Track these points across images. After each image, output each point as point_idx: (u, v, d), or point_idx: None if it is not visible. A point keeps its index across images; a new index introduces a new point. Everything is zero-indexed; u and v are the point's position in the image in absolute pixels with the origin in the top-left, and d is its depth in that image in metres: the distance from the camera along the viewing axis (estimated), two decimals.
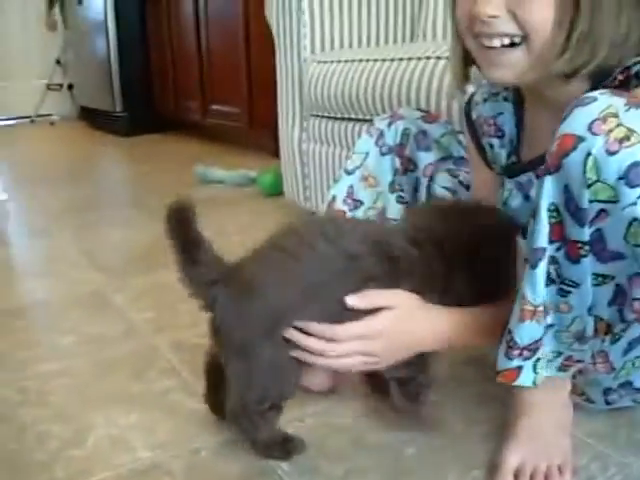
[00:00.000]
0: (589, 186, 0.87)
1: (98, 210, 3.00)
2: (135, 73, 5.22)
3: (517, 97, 1.23)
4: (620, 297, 0.98)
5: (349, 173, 1.48)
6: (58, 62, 6.56)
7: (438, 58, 1.82)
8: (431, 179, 1.44)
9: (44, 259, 2.34)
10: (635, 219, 0.86)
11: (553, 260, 0.94)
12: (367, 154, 1.46)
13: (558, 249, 0.93)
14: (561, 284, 0.95)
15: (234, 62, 4.05)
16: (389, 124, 1.46)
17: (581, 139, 0.86)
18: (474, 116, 1.33)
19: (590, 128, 0.86)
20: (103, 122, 5.58)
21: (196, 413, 1.29)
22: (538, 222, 0.93)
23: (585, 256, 0.93)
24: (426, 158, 1.44)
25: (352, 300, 1.06)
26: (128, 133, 5.20)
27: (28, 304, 1.91)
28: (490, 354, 1.08)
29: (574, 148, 0.87)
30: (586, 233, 0.91)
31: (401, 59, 1.95)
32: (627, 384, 1.15)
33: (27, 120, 6.53)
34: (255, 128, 3.96)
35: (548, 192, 0.91)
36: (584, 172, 0.86)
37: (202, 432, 1.23)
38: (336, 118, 2.26)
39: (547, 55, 1.00)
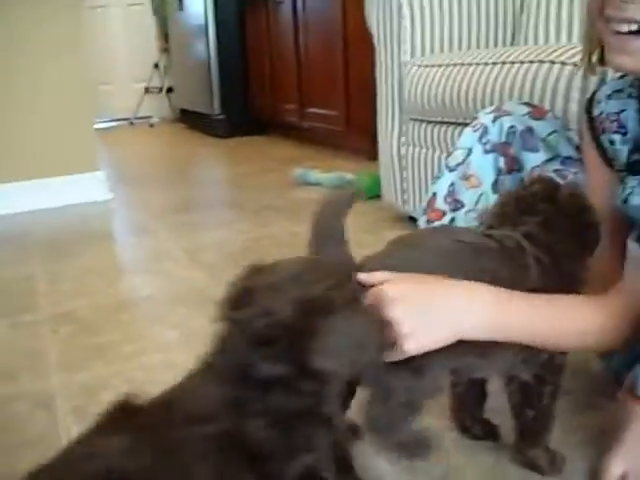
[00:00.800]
0: None
1: (198, 210, 3.09)
2: (234, 76, 5.33)
3: None
4: None
5: (451, 170, 1.44)
6: (156, 66, 6.77)
7: (541, 62, 1.80)
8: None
9: (148, 256, 2.43)
10: None
11: None
12: (470, 150, 1.41)
13: None
14: None
15: (332, 65, 4.10)
16: (494, 119, 1.40)
17: None
18: (595, 113, 1.26)
19: None
20: (202, 124, 5.71)
21: None
22: None
23: None
24: (533, 159, 1.37)
25: (362, 275, 0.94)
26: (226, 135, 5.31)
27: (133, 299, 1.99)
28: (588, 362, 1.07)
29: None
30: None
31: (503, 63, 1.94)
32: None
33: (126, 122, 6.76)
34: (352, 131, 3.99)
35: None
36: None
37: None
38: (436, 122, 2.26)
39: None
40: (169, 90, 6.61)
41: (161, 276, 2.15)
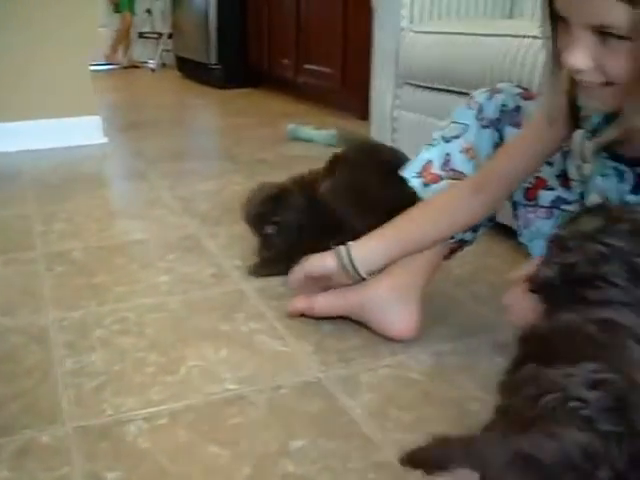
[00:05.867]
0: None
1: (192, 159, 3.14)
2: (232, 27, 5.33)
3: None
4: None
5: (447, 141, 1.49)
6: (149, 12, 6.75)
7: (535, 37, 1.85)
8: None
9: (141, 202, 2.49)
10: None
11: None
12: (467, 126, 1.47)
13: None
14: None
15: (330, 23, 4.11)
16: (489, 97, 1.47)
17: None
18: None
19: None
20: (198, 73, 5.72)
21: (280, 355, 1.41)
22: None
23: None
24: (512, 134, 1.42)
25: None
26: (221, 85, 5.33)
27: (127, 243, 2.05)
28: None
29: None
30: None
31: (498, 35, 1.99)
32: None
33: (120, 67, 6.74)
34: (347, 90, 4.03)
35: None
36: None
37: (284, 372, 1.34)
38: (430, 88, 2.31)
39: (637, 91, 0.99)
40: (170, 36, 6.58)
41: (154, 222, 2.21)
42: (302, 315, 1.54)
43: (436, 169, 1.49)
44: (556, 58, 1.08)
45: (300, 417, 1.21)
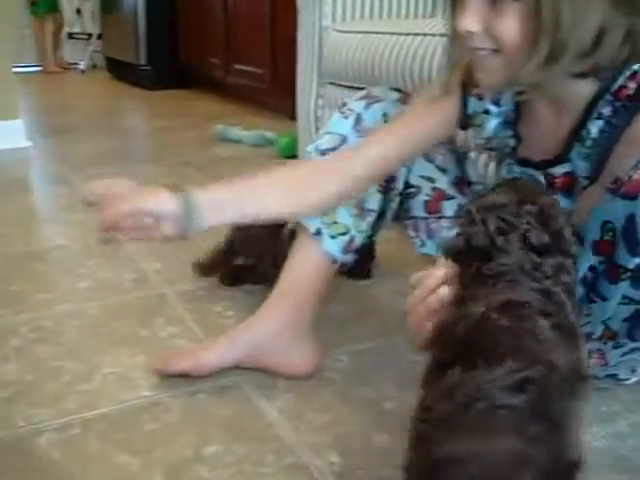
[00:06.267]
0: None
1: (117, 163, 3.09)
2: (161, 27, 5.29)
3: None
4: (637, 319, 1.08)
5: (322, 153, 1.35)
6: (78, 12, 6.64)
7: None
8: (408, 169, 1.39)
9: (63, 207, 2.43)
10: None
11: (592, 269, 1.02)
12: (345, 138, 1.35)
13: (600, 263, 1.01)
14: (591, 292, 1.04)
15: (259, 23, 4.11)
16: (366, 106, 1.37)
17: None
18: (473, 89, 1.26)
19: None
20: (128, 74, 5.65)
21: None
22: (590, 231, 1.00)
23: (624, 280, 1.02)
24: None
25: None
26: (151, 86, 5.28)
27: (47, 249, 2.01)
28: None
29: None
30: (634, 262, 0.99)
31: (416, 34, 2.01)
32: (613, 376, 1.25)
33: (47, 68, 6.60)
34: (276, 90, 4.02)
35: (609, 211, 0.99)
36: None
37: (201, 377, 1.32)
38: (352, 87, 2.31)
39: (521, 64, 1.02)
40: (100, 37, 6.48)
41: (75, 227, 2.17)
42: (180, 376, 1.32)
43: None
44: (454, 34, 1.11)
45: (216, 422, 1.20)
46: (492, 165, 1.29)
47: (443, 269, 0.98)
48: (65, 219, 2.27)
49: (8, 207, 2.38)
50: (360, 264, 1.59)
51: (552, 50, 0.98)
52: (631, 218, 0.96)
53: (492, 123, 1.23)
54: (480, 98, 1.24)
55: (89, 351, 1.43)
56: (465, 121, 1.27)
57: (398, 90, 1.42)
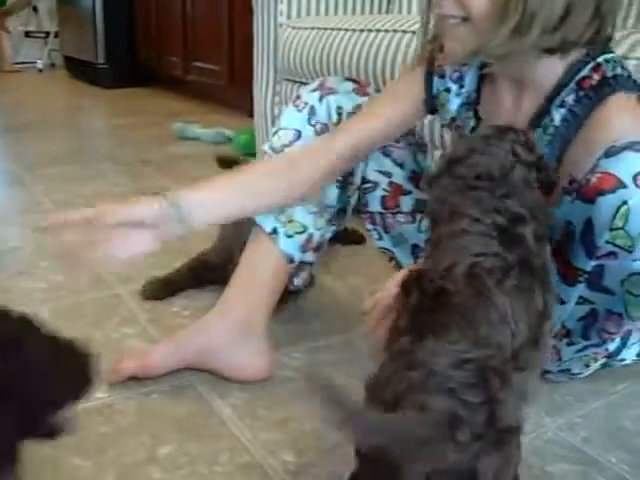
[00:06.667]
0: (612, 230, 0.95)
1: (73, 162, 3.05)
2: (119, 26, 5.23)
3: (483, 63, 1.22)
4: (591, 319, 1.11)
5: (277, 151, 1.33)
6: (35, 9, 6.54)
7: (412, 32, 1.87)
8: (365, 164, 1.38)
9: (17, 208, 2.40)
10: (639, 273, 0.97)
11: None
12: (299, 132, 1.34)
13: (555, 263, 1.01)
14: None
15: (217, 19, 4.08)
16: (320, 98, 1.35)
17: (623, 185, 0.94)
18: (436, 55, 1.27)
19: (635, 179, 0.93)
20: (86, 73, 5.58)
21: None
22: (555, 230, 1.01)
23: (581, 282, 1.03)
24: None
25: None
26: (110, 85, 5.22)
27: (1, 251, 1.98)
28: None
29: (613, 191, 0.94)
30: (589, 265, 1.01)
31: (370, 30, 2.02)
32: (566, 370, 1.26)
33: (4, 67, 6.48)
34: (234, 87, 4.00)
35: (568, 212, 1.01)
36: (613, 217, 0.94)
37: (155, 377, 1.31)
38: (308, 84, 2.31)
39: (490, 34, 1.03)
40: (57, 35, 6.38)
41: (29, 228, 2.14)
42: (133, 378, 1.29)
43: None
44: (428, 4, 1.15)
45: (169, 422, 1.19)
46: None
47: (394, 286, 0.97)
48: (18, 221, 2.24)
49: None
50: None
51: (521, 21, 1.00)
52: (589, 222, 0.98)
53: (454, 103, 1.25)
54: (442, 76, 1.25)
55: None
56: (432, 103, 1.28)
57: (353, 80, 1.40)
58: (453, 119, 1.28)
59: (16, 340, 0.81)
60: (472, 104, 1.24)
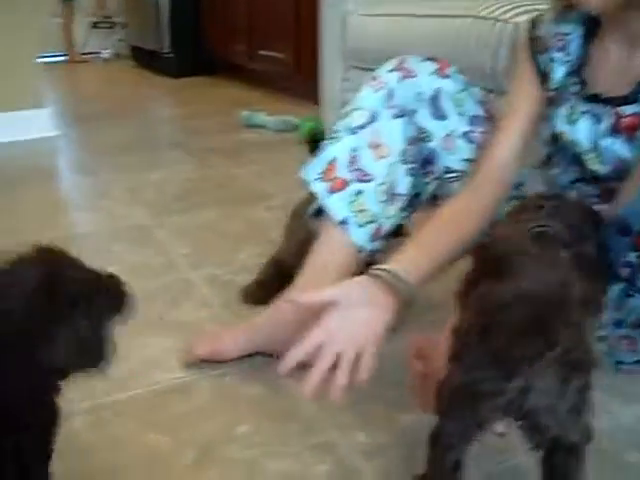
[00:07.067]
0: None
1: (142, 150, 3.10)
2: (185, 14, 5.27)
3: (590, 25, 1.18)
4: None
5: (352, 132, 1.30)
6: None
7: (493, 19, 1.84)
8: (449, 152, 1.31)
9: (90, 194, 2.46)
10: None
11: (629, 264, 1.00)
12: (375, 115, 1.30)
13: (638, 257, 0.98)
14: (630, 286, 1.03)
15: (282, 7, 4.08)
16: (399, 80, 1.30)
17: None
18: (539, 33, 1.23)
19: None
20: (152, 62, 5.66)
21: None
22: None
23: None
24: (443, 127, 1.30)
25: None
26: (176, 74, 5.27)
27: (76, 235, 2.03)
28: None
29: None
30: None
31: (442, 16, 2.00)
32: None
33: (72, 57, 6.59)
34: (300, 75, 4.01)
35: None
36: None
37: (228, 360, 1.33)
38: None
39: None
40: (124, 26, 6.48)
41: (102, 213, 2.19)
42: (207, 360, 1.32)
43: (341, 170, 1.31)
44: None
45: (244, 402, 1.22)
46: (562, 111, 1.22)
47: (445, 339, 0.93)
48: (91, 206, 2.29)
49: (36, 195, 2.41)
50: None
51: None
52: None
53: (559, 71, 1.20)
54: (544, 51, 1.22)
55: (118, 335, 1.44)
56: (543, 79, 1.23)
57: (432, 59, 1.34)
58: (556, 89, 1.22)
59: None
60: (577, 71, 1.19)
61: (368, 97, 1.32)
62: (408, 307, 1.13)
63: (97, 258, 1.79)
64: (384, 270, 1.08)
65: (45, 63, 4.08)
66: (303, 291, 1.27)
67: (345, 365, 1.00)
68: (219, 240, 1.81)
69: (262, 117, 3.41)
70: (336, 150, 1.32)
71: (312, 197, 1.37)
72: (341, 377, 0.99)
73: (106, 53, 6.64)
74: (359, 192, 1.30)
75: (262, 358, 1.33)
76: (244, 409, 1.20)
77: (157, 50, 5.42)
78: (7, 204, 2.30)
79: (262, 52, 4.43)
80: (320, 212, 1.37)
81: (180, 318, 1.51)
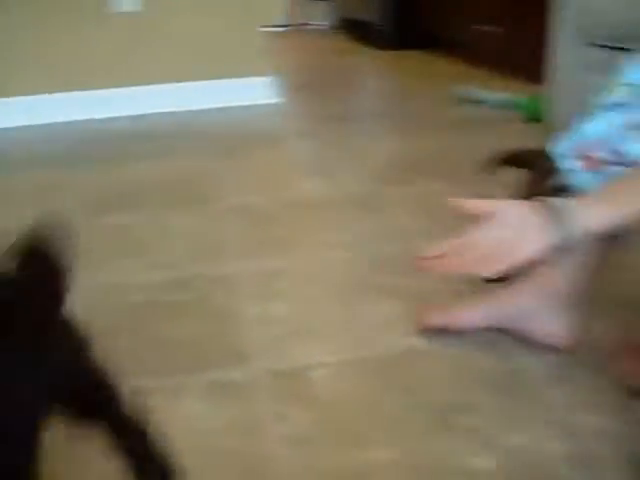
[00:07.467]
0: None
1: (358, 120, 3.16)
2: None
3: None
4: None
5: (611, 109, 1.18)
6: None
7: None
8: None
9: (315, 160, 2.55)
10: None
11: None
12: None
13: None
14: None
15: None
16: None
17: None
18: None
19: None
20: (365, 34, 5.69)
21: None
22: None
23: None
24: None
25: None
26: (389, 47, 5.27)
27: (307, 199, 2.11)
28: None
29: None
30: None
31: None
32: None
33: (288, 28, 6.77)
34: (518, 51, 3.90)
35: None
36: None
37: (461, 332, 1.34)
38: (619, 49, 2.16)
39: None
40: None
41: (329, 180, 2.25)
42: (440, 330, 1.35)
43: (598, 150, 1.18)
44: None
45: (474, 374, 1.23)
46: None
47: None
48: (318, 172, 2.36)
49: (264, 158, 2.53)
50: None
51: None
52: None
53: None
54: None
55: (356, 298, 1.49)
56: None
57: None
58: None
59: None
60: None
61: (635, 71, 1.20)
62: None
63: (330, 223, 1.86)
64: (558, 202, 1.00)
65: (267, 33, 4.21)
66: (542, 268, 1.24)
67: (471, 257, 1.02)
68: (446, 212, 1.79)
69: (483, 92, 3.35)
70: (592, 127, 1.21)
71: (557, 171, 1.28)
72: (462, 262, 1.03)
73: (320, 24, 6.76)
74: (615, 174, 1.15)
75: (493, 334, 1.32)
76: (475, 380, 1.21)
77: (371, 22, 5.45)
78: (238, 165, 2.42)
79: (478, 27, 4.35)
80: (562, 189, 1.29)
81: (410, 285, 1.53)
